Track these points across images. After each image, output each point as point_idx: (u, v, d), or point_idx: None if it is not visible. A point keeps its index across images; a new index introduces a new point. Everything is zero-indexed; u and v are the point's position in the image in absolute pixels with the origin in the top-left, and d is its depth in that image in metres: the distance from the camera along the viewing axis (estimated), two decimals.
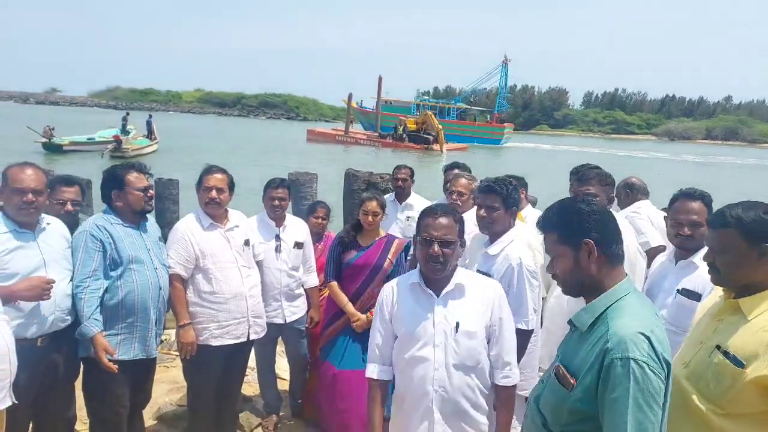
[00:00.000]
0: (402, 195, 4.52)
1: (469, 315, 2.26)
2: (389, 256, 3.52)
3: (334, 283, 3.54)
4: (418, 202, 4.48)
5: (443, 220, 2.23)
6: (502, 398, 2.30)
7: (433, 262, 2.22)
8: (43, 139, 23.64)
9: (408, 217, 4.43)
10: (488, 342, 2.29)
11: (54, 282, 2.62)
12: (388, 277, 3.47)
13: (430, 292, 2.28)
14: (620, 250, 1.72)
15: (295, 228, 3.85)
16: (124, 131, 26.64)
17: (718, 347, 1.78)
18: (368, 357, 2.43)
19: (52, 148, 23.59)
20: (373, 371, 2.38)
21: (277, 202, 3.74)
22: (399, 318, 2.33)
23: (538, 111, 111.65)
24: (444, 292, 2.28)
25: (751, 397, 1.68)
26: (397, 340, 2.35)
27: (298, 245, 3.79)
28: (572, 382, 1.62)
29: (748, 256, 1.78)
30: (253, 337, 3.46)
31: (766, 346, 1.69)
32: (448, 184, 3.98)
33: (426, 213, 2.31)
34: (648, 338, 1.53)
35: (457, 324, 2.23)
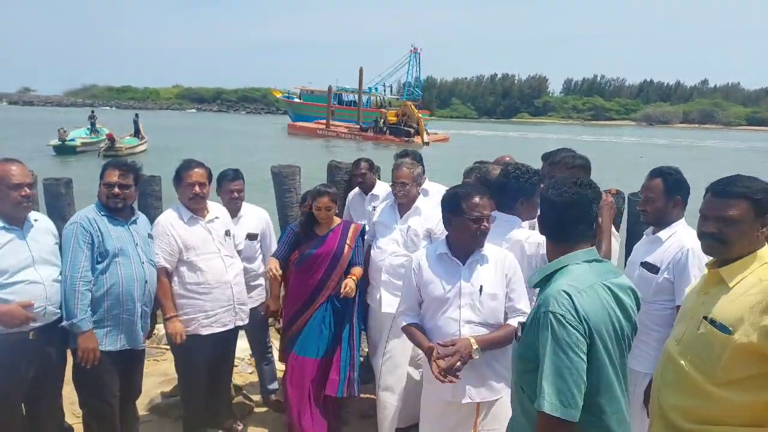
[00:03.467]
0: (365, 187, 4.56)
1: (491, 279, 2.59)
2: (347, 242, 3.58)
3: (273, 258, 3.54)
4: (383, 191, 4.51)
5: (487, 200, 2.59)
6: (503, 327, 2.59)
7: (483, 235, 2.56)
8: (57, 142, 23.68)
9: (374, 206, 4.33)
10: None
11: (35, 320, 2.70)
12: (350, 263, 3.56)
13: (458, 261, 2.61)
14: (579, 229, 1.89)
15: (251, 219, 3.86)
16: (94, 129, 26.32)
17: (705, 318, 1.81)
18: (402, 312, 2.81)
19: (65, 150, 23.63)
20: (406, 320, 2.76)
21: (236, 195, 3.76)
22: (427, 284, 2.64)
23: (518, 99, 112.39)
24: (470, 260, 2.60)
25: (742, 362, 1.71)
26: (424, 303, 2.68)
27: (251, 237, 3.81)
28: (519, 335, 1.89)
29: (753, 228, 1.81)
30: (238, 323, 3.54)
31: (750, 309, 1.73)
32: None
33: (469, 195, 2.56)
34: (570, 295, 1.72)
35: (481, 287, 2.56)
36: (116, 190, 3.01)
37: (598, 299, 1.75)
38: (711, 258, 1.98)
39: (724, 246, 1.86)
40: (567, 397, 1.66)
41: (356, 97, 50.66)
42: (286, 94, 57.51)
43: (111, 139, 24.24)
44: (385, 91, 59.10)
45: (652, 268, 2.70)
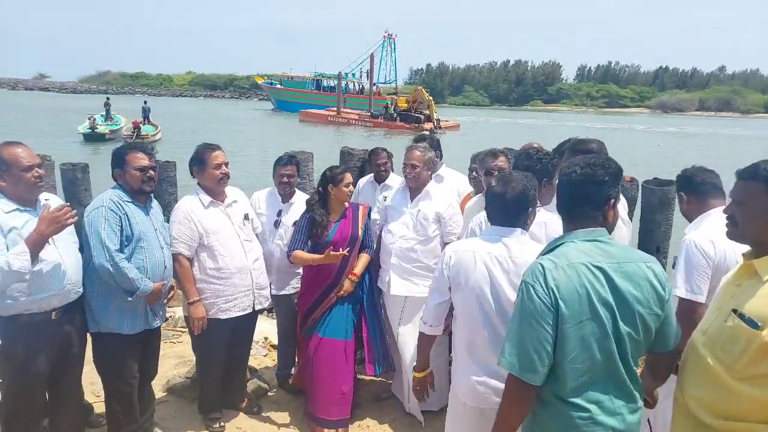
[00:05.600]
0: (382, 177, 4.55)
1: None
2: (359, 224, 3.66)
3: (297, 251, 3.54)
4: (396, 182, 4.50)
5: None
6: None
7: None
8: (87, 129, 23.82)
9: (385, 197, 4.23)
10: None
11: (69, 205, 2.69)
12: (362, 245, 3.64)
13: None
14: (585, 209, 1.91)
15: (300, 207, 3.83)
16: (108, 117, 26.42)
17: (734, 311, 1.74)
18: None
19: (95, 137, 23.72)
20: None
21: (285, 179, 3.87)
22: None
23: (531, 86, 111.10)
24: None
25: (766, 359, 1.64)
26: None
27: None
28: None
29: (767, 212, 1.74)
30: (258, 308, 3.59)
31: None
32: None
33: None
34: (544, 268, 1.82)
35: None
36: (151, 173, 3.07)
37: (577, 276, 1.79)
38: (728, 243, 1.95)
39: (735, 228, 1.83)
40: (525, 360, 1.80)
41: (335, 83, 49.44)
42: (268, 81, 57.23)
43: (137, 126, 24.55)
44: (361, 76, 56.76)
45: (675, 263, 2.67)
